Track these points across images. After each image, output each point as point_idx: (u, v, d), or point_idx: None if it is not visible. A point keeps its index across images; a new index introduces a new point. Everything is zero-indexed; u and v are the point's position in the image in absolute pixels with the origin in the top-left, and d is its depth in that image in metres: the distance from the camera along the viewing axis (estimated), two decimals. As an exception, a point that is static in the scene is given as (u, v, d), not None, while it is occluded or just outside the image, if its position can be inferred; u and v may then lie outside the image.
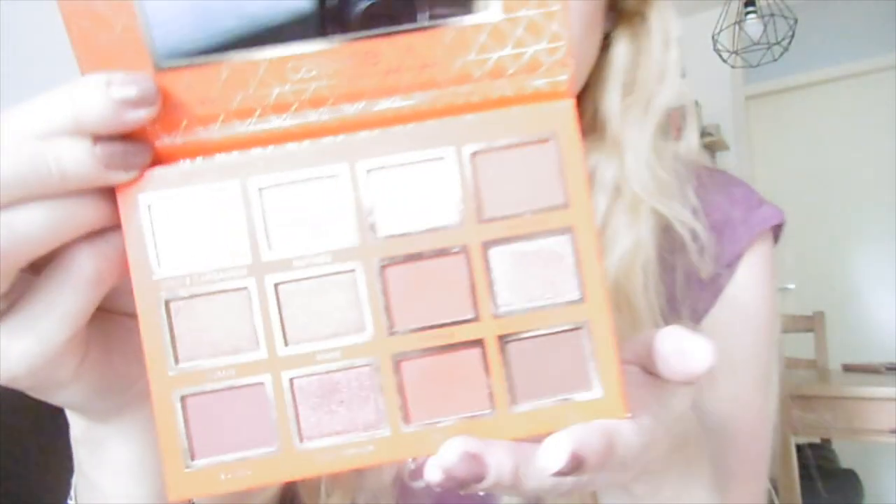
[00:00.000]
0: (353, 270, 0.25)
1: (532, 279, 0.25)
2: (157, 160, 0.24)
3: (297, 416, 0.25)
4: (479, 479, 0.23)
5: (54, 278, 0.23)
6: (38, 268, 0.24)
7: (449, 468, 0.22)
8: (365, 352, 0.25)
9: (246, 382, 0.25)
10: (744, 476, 0.50)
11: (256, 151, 0.25)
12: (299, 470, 0.25)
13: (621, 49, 0.50)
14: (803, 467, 1.74)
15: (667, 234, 0.48)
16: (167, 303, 0.24)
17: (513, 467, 0.23)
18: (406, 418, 0.25)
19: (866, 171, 3.10)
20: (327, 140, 0.25)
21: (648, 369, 0.28)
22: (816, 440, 2.17)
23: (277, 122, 0.24)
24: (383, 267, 0.25)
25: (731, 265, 0.50)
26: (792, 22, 2.29)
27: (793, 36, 2.31)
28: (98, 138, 0.22)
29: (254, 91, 0.24)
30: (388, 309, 0.25)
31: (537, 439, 0.24)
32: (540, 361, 0.25)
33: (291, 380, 0.25)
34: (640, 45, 0.51)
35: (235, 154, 0.25)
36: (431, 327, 0.25)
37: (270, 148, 0.25)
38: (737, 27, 2.43)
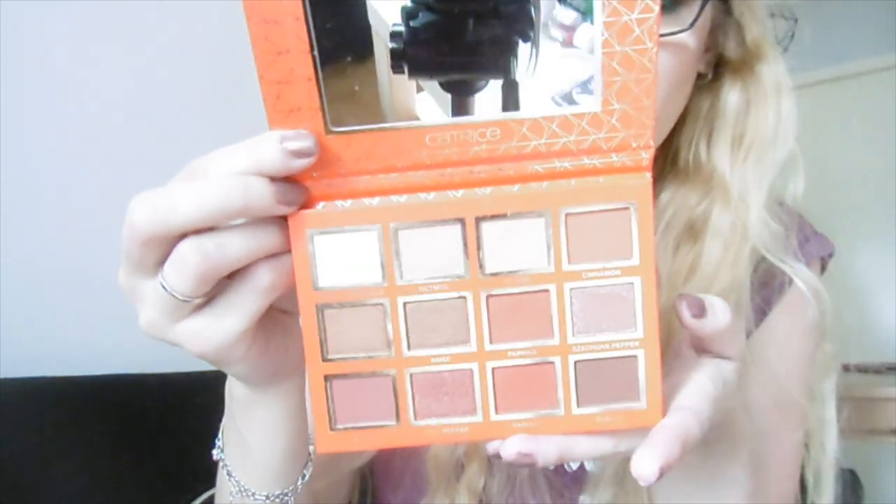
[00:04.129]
0: (464, 297, 0.32)
1: (601, 315, 0.32)
2: (322, 199, 0.32)
3: (413, 400, 0.33)
4: (531, 465, 0.31)
5: (241, 285, 0.32)
6: (230, 275, 0.31)
7: (509, 460, 0.31)
8: (468, 359, 0.32)
9: (378, 374, 0.33)
10: (777, 478, 0.55)
11: (395, 198, 0.32)
12: (411, 439, 0.33)
13: (732, 101, 0.53)
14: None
15: (758, 269, 0.53)
16: (322, 310, 0.32)
17: (557, 457, 0.31)
18: (494, 412, 0.32)
19: (866, 170, 3.10)
20: (451, 193, 0.32)
21: (701, 349, 0.36)
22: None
23: (417, 177, 0.31)
24: (487, 297, 0.32)
25: (780, 290, 0.55)
26: (792, 22, 2.29)
27: (793, 36, 2.30)
28: (273, 179, 0.30)
29: (398, 153, 0.31)
30: (488, 329, 0.32)
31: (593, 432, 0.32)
32: (601, 377, 0.32)
33: (411, 375, 0.33)
34: (750, 98, 0.53)
35: (378, 199, 0.32)
36: (521, 346, 0.32)
37: (405, 196, 0.32)
38: (737, 27, 2.43)
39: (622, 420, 0.32)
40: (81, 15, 1.02)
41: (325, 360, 0.33)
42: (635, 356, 0.32)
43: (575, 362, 0.32)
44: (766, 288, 0.55)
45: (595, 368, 0.32)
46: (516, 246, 0.32)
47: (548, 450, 0.31)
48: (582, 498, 0.54)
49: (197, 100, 1.14)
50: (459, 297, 0.32)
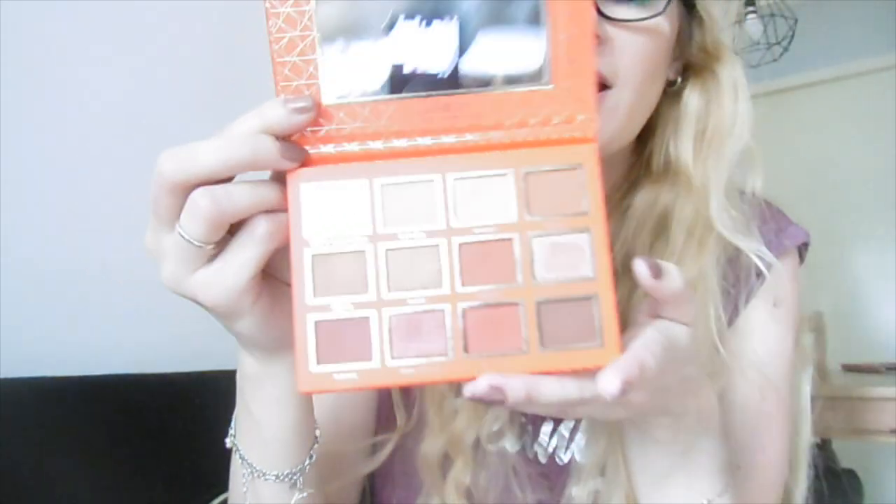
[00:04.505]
0: (437, 245, 0.36)
1: (560, 261, 0.35)
2: (317, 162, 0.36)
3: (390, 341, 0.35)
4: (501, 402, 0.34)
5: (243, 235, 0.36)
6: (233, 230, 0.36)
7: (479, 395, 0.33)
8: (441, 300, 0.35)
9: (359, 315, 0.35)
10: (764, 465, 0.56)
11: (381, 161, 0.36)
12: (388, 379, 0.35)
13: (693, 100, 0.58)
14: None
15: (731, 264, 0.57)
16: (312, 256, 0.36)
17: (525, 395, 0.34)
18: (465, 352, 0.35)
19: (866, 170, 3.10)
20: (428, 158, 0.36)
21: (656, 316, 0.38)
22: (816, 440, 2.17)
23: (398, 144, 0.36)
24: (460, 244, 0.36)
25: (748, 280, 0.58)
26: (792, 22, 2.29)
27: (793, 36, 2.30)
28: (278, 138, 0.35)
29: (384, 123, 0.36)
30: (460, 273, 0.35)
31: (555, 372, 0.35)
32: (562, 319, 0.35)
33: (390, 316, 0.35)
34: (710, 97, 0.58)
35: (367, 163, 0.36)
36: (489, 288, 0.35)
37: (390, 160, 0.36)
38: (737, 27, 2.43)
39: (583, 358, 0.34)
40: (81, 15, 1.03)
41: (311, 303, 0.35)
42: (591, 298, 0.35)
43: (537, 303, 0.35)
44: (740, 282, 0.58)
45: (556, 310, 0.35)
46: (484, 200, 0.36)
47: (516, 386, 0.33)
48: (569, 489, 0.56)
49: (197, 100, 1.14)
50: (434, 245, 0.36)
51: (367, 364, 0.35)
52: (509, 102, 0.36)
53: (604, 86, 0.51)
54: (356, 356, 0.35)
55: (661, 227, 0.58)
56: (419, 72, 0.36)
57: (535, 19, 0.35)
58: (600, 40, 0.50)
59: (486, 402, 0.34)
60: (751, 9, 2.40)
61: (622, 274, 0.57)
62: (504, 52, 0.35)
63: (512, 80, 0.36)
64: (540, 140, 0.36)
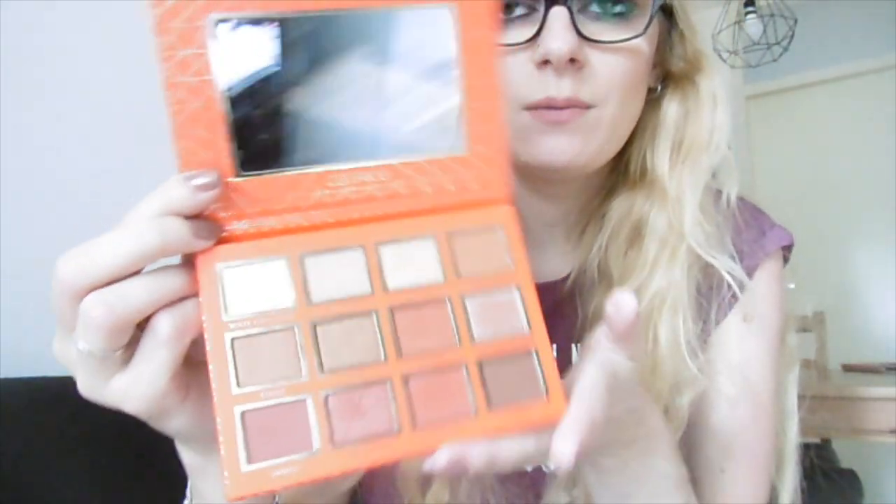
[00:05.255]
0: (370, 314, 0.34)
1: (495, 319, 0.35)
2: (232, 240, 0.33)
3: (330, 424, 0.32)
4: (464, 472, 0.32)
5: (146, 337, 0.32)
6: (143, 326, 0.32)
7: (440, 469, 0.32)
8: (381, 374, 0.33)
9: (292, 400, 0.32)
10: (747, 468, 0.56)
11: (301, 234, 0.34)
12: (335, 466, 0.31)
13: (672, 110, 0.57)
14: (803, 467, 1.73)
15: (705, 273, 0.56)
16: (232, 340, 0.32)
17: (486, 461, 0.32)
18: (413, 423, 0.32)
19: (866, 170, 3.10)
20: (350, 228, 0.35)
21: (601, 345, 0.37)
22: (816, 440, 2.17)
23: (317, 216, 0.34)
24: (393, 311, 0.34)
25: (719, 291, 0.57)
26: (792, 22, 2.29)
27: (793, 36, 2.31)
28: (187, 217, 0.32)
29: (302, 195, 0.34)
30: (397, 341, 0.33)
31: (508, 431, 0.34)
32: (506, 376, 0.34)
33: (326, 397, 0.32)
34: (689, 107, 0.57)
35: (287, 236, 0.34)
36: (429, 353, 0.33)
37: (311, 233, 0.34)
38: (737, 27, 2.43)
39: (531, 414, 0.34)
40: (81, 15, 1.03)
41: (236, 392, 0.31)
42: (530, 353, 0.34)
43: (479, 364, 0.34)
44: (713, 290, 0.57)
45: (498, 369, 0.34)
46: (411, 266, 0.35)
47: (477, 454, 0.32)
48: (549, 496, 0.55)
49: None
50: (367, 315, 0.34)
51: (307, 453, 0.31)
52: (426, 170, 0.36)
53: (588, 107, 0.50)
54: (294, 446, 0.31)
55: (636, 236, 0.57)
56: (336, 142, 0.34)
57: (448, 87, 0.35)
58: (579, 65, 0.48)
59: (448, 475, 0.32)
60: (751, 9, 2.40)
61: (598, 281, 0.57)
62: (419, 120, 0.35)
63: (428, 148, 0.35)
64: (458, 203, 0.36)
